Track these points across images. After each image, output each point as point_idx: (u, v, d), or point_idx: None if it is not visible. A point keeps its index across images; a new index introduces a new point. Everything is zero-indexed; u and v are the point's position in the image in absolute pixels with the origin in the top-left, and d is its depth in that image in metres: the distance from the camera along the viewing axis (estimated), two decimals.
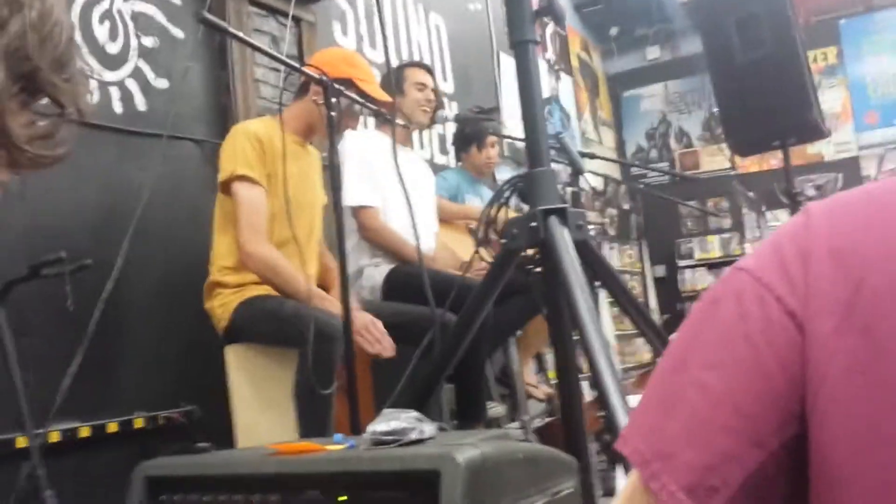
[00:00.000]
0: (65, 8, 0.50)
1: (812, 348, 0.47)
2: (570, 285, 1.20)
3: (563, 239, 1.27)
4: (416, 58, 3.88)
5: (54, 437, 1.95)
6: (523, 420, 2.80)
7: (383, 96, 2.22)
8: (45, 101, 0.51)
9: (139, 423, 2.17)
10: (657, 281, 6.82)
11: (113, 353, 2.17)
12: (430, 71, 2.88)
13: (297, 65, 1.89)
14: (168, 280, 2.36)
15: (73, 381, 1.95)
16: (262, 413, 2.09)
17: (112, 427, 2.10)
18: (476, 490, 0.89)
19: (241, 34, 2.00)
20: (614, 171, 6.49)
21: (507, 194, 1.44)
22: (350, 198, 2.45)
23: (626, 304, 1.46)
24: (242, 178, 2.07)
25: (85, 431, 2.04)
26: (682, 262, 6.78)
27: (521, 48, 1.44)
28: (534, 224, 1.31)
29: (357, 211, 2.51)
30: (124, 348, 2.22)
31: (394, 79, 2.72)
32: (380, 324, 2.05)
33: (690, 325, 0.53)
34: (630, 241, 6.66)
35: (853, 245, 0.48)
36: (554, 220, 1.30)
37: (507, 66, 4.52)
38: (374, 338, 2.00)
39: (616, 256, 6.19)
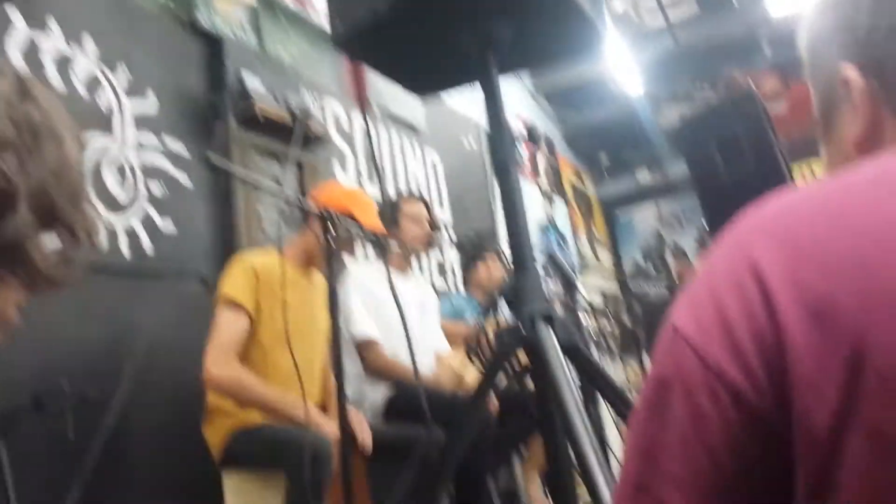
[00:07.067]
0: (78, 147, 0.58)
1: (808, 446, 0.39)
2: (558, 385, 1.21)
3: (551, 341, 1.30)
4: (415, 190, 4.03)
5: None
6: None
7: (383, 229, 2.33)
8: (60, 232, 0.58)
9: None
10: None
11: (111, 488, 2.14)
12: (423, 200, 2.95)
13: (297, 199, 2.00)
14: (170, 415, 2.36)
15: None
16: None
17: None
18: None
19: (242, 171, 2.13)
20: (614, 289, 6.55)
21: (498, 300, 1.48)
22: (354, 331, 2.51)
23: (623, 408, 1.46)
24: (228, 301, 2.11)
25: None
26: None
27: (503, 168, 1.53)
28: (521, 329, 1.34)
29: (360, 345, 2.55)
30: (123, 483, 2.19)
31: (389, 211, 2.84)
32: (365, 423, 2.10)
33: (644, 421, 0.47)
34: (633, 356, 6.60)
35: (833, 299, 0.38)
36: (541, 325, 1.33)
37: None
38: (360, 429, 2.03)
39: (620, 371, 6.13)
